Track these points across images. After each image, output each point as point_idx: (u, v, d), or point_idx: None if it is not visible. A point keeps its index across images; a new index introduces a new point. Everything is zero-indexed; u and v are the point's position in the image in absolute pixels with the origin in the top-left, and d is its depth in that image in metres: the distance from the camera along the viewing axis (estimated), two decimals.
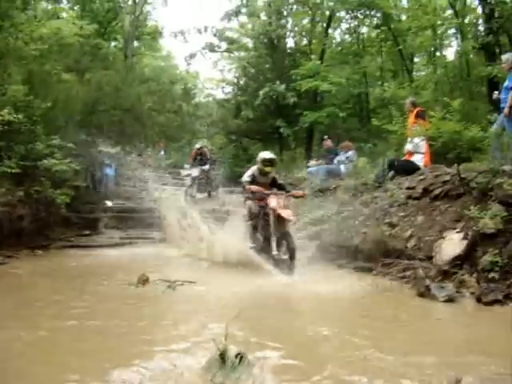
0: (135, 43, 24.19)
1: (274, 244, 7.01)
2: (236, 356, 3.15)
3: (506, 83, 7.97)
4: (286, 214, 6.97)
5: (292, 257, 6.97)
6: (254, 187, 7.37)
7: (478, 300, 5.26)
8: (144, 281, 6.11)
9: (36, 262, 8.22)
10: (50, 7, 16.28)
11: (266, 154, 7.74)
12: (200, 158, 15.03)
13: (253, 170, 7.76)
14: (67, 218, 10.97)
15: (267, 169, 7.61)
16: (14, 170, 8.56)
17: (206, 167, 14.95)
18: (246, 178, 7.68)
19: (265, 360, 3.33)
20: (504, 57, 8.28)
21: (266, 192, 7.35)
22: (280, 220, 7.02)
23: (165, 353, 3.53)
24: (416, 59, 20.42)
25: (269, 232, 7.12)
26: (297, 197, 8.08)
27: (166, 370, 3.23)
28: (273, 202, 7.10)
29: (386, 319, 4.68)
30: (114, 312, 4.83)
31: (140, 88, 14.99)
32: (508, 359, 3.26)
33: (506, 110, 7.74)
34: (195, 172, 14.76)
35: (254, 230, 7.59)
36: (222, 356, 3.16)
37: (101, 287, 6.12)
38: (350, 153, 10.85)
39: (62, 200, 9.80)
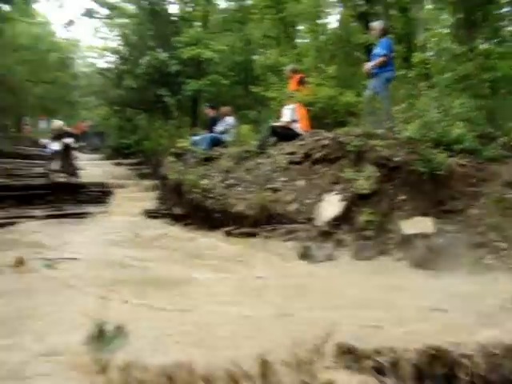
0: (5, 7, 22.48)
1: None
2: (114, 329, 3.09)
3: (376, 50, 8.32)
4: None
5: None
6: None
7: (355, 257, 5.54)
8: (20, 262, 5.81)
9: None
10: None
11: None
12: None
13: None
14: None
15: None
16: None
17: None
18: None
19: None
20: (372, 24, 8.64)
21: None
22: None
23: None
24: (300, 27, 20.73)
25: None
26: None
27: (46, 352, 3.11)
28: None
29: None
30: None
31: (12, 57, 14.03)
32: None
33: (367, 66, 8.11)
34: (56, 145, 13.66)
35: None
36: (100, 330, 3.09)
37: None
38: (229, 119, 10.86)
39: None
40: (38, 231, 9.38)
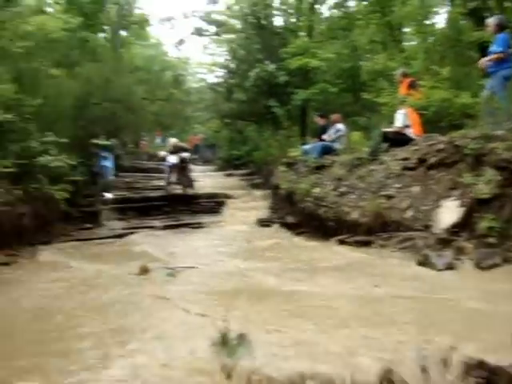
0: (123, 33, 24.01)
1: None
2: (237, 337, 3.21)
3: (492, 48, 7.94)
4: None
5: None
6: None
7: (477, 266, 5.31)
8: (145, 270, 6.19)
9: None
10: (33, 2, 16.13)
11: None
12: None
13: None
14: (67, 212, 11.03)
15: None
16: (10, 170, 8.56)
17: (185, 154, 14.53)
18: None
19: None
20: (487, 21, 8.26)
21: None
22: None
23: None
24: (406, 29, 20.24)
25: None
26: None
27: (172, 356, 3.29)
28: None
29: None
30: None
31: (130, 78, 14.95)
32: None
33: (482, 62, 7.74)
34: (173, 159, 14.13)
35: None
36: (224, 338, 3.23)
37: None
38: (339, 126, 10.80)
39: (60, 195, 9.86)
40: (156, 240, 9.92)
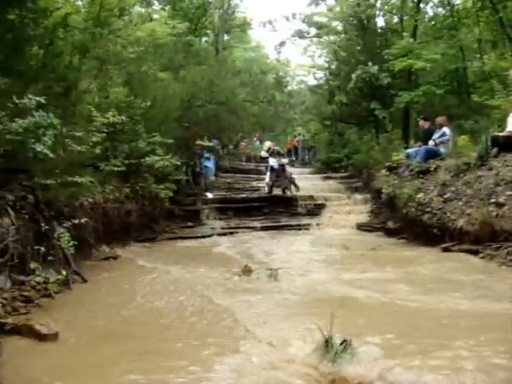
0: (225, 37, 24.58)
1: None
2: (341, 343, 3.18)
3: None
4: None
5: None
6: None
7: None
8: (247, 271, 6.32)
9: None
10: (143, 11, 16.90)
11: None
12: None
13: None
14: (171, 211, 11.48)
15: None
16: (119, 169, 9.01)
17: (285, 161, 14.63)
18: None
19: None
20: None
21: None
22: None
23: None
24: None
25: None
26: None
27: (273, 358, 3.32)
28: None
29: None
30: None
31: (233, 81, 15.26)
32: None
33: None
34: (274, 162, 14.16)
35: None
36: (327, 343, 3.21)
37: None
38: (445, 129, 10.33)
39: (165, 194, 10.27)
40: (256, 241, 10.06)
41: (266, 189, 14.01)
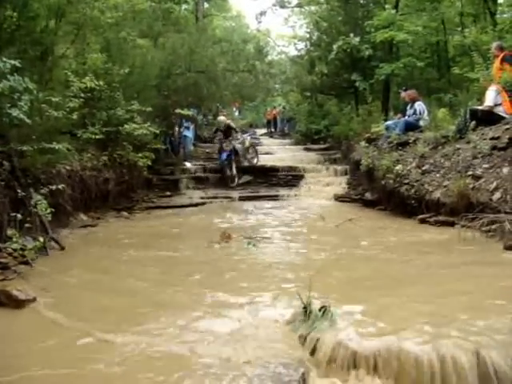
0: (205, 5, 24.17)
1: None
2: (320, 309, 3.21)
3: None
4: None
5: None
6: None
7: None
8: (226, 237, 6.30)
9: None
10: None
11: None
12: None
13: None
14: (149, 180, 11.43)
15: None
16: (97, 136, 8.89)
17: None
18: None
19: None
20: None
21: None
22: None
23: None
24: (500, 0, 19.15)
25: None
26: None
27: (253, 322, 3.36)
28: None
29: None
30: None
31: (213, 49, 14.99)
32: None
33: None
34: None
35: None
36: (306, 309, 3.24)
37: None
38: (416, 105, 10.31)
39: (143, 163, 10.18)
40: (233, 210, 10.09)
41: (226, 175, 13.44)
